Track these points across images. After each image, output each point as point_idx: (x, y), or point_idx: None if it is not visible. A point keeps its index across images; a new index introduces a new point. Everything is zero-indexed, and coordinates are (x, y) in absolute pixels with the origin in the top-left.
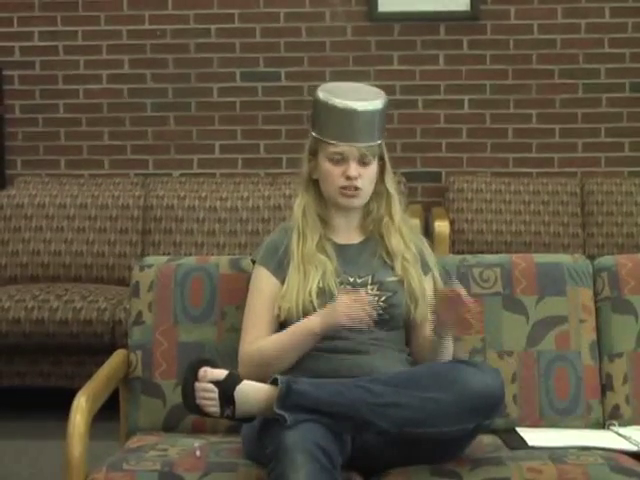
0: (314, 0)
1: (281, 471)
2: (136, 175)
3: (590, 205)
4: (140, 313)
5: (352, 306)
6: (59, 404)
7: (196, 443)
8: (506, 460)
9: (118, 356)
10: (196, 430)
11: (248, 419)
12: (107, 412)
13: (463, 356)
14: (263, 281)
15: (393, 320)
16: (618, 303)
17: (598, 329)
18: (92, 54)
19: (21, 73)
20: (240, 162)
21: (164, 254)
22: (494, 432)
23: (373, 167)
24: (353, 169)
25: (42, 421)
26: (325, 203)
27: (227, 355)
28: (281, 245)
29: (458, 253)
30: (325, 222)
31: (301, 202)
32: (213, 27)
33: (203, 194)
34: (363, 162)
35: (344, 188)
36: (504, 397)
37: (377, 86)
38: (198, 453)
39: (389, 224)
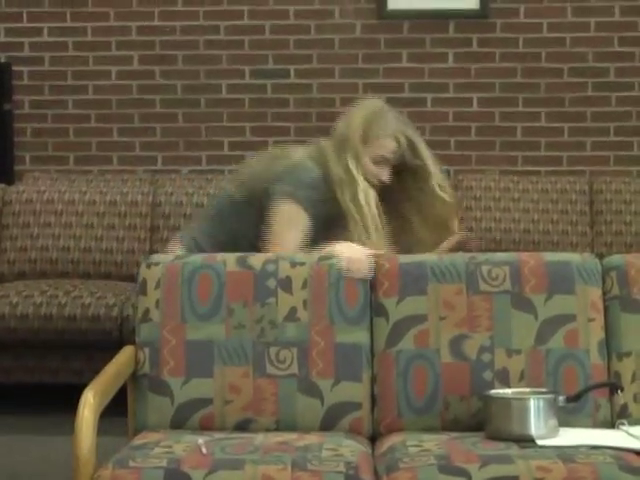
0: None
1: None
2: (145, 171)
3: (599, 204)
4: (147, 310)
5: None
6: (67, 400)
7: (200, 440)
8: (515, 458)
9: (126, 352)
10: (204, 427)
11: None
12: (117, 408)
13: None
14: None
15: None
16: (627, 302)
17: (607, 328)
18: (101, 50)
19: (30, 69)
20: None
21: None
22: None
23: None
24: None
25: (50, 417)
26: None
27: (235, 353)
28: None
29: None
30: None
31: None
32: (222, 24)
33: (211, 191)
34: None
35: None
36: None
37: (386, 84)
38: (204, 450)
39: None
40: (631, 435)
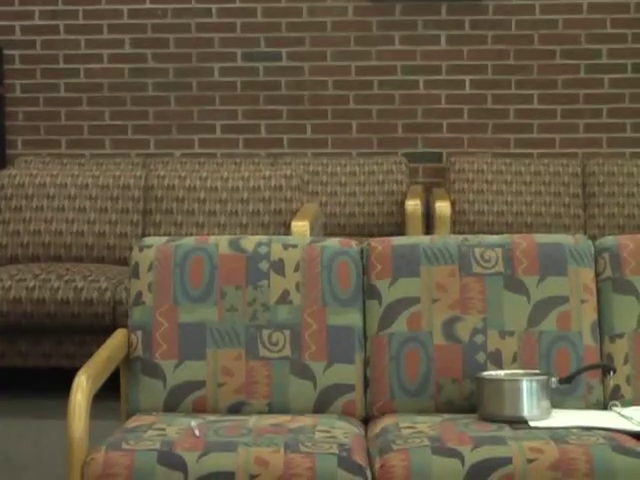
0: None
1: None
2: (137, 155)
3: (591, 186)
4: (140, 294)
5: None
6: (60, 384)
7: (193, 422)
8: (508, 440)
9: (119, 336)
10: (197, 410)
11: None
12: (110, 391)
13: None
14: None
15: None
16: (619, 283)
17: (599, 309)
18: (93, 33)
19: (22, 52)
20: (241, 142)
21: (165, 234)
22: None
23: None
24: None
25: (44, 401)
26: None
27: (227, 335)
28: None
29: (459, 234)
30: None
31: None
32: (214, 7)
33: (204, 174)
34: None
35: None
36: None
37: (378, 67)
38: (197, 432)
39: None
40: (623, 416)
